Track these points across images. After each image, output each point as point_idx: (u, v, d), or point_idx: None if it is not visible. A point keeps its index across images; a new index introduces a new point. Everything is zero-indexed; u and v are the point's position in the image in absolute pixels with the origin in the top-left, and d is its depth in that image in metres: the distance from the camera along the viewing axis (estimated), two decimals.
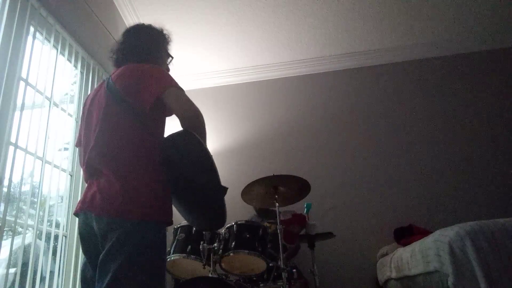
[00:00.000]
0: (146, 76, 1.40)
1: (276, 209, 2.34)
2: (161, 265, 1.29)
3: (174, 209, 1.44)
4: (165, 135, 1.45)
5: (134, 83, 1.39)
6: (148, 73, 1.41)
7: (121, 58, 1.57)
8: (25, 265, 1.95)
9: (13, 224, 1.88)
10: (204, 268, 2.13)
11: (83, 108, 1.58)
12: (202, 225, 1.73)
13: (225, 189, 1.31)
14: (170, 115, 1.47)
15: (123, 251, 1.21)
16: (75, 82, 2.72)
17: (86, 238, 1.37)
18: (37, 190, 2.13)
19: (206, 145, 1.34)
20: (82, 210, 1.36)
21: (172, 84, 1.38)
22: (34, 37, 2.20)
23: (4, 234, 1.81)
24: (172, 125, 1.44)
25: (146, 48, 1.58)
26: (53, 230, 2.26)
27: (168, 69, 1.69)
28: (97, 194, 1.31)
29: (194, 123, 1.33)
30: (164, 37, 1.68)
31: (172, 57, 1.71)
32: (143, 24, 1.70)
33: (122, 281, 1.19)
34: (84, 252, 1.40)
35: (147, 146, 1.36)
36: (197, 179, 1.33)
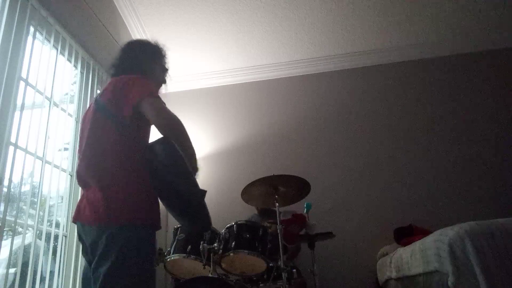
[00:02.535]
0: (126, 86, 1.45)
1: (276, 209, 2.34)
2: (146, 269, 1.32)
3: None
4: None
5: (115, 94, 1.44)
6: (128, 84, 1.45)
7: (115, 73, 1.63)
8: (25, 265, 1.95)
9: (13, 224, 1.88)
10: (204, 268, 2.12)
11: (80, 123, 1.65)
12: (189, 227, 1.83)
13: (203, 192, 1.35)
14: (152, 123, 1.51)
15: (110, 256, 1.26)
16: (75, 82, 2.72)
17: (83, 244, 1.45)
18: (37, 190, 2.13)
19: (187, 149, 1.38)
20: (77, 220, 1.44)
21: (148, 93, 1.41)
22: (34, 37, 2.20)
23: (4, 234, 1.81)
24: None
25: (138, 62, 1.63)
26: (53, 230, 2.26)
27: (163, 81, 1.73)
28: (86, 205, 1.38)
29: (169, 130, 1.37)
30: (159, 51, 1.73)
31: (167, 69, 1.75)
32: (138, 39, 1.79)
33: (110, 284, 1.24)
34: (83, 255, 1.47)
35: (130, 155, 1.41)
36: (175, 184, 1.38)
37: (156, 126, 1.39)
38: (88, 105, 2.49)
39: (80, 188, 2.47)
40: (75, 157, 2.51)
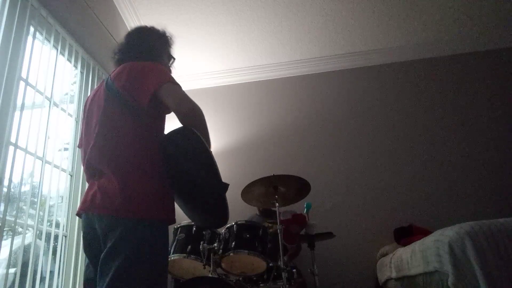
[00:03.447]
0: (143, 72, 1.39)
1: (276, 209, 2.34)
2: (162, 263, 1.29)
3: (177, 207, 1.44)
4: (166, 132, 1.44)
5: (131, 80, 1.37)
6: (145, 70, 1.40)
7: (121, 57, 1.57)
8: (25, 265, 1.95)
9: (13, 224, 1.88)
10: (204, 268, 2.12)
11: (84, 108, 1.58)
12: (205, 223, 1.71)
13: (226, 186, 1.29)
14: (169, 112, 1.45)
15: (123, 250, 1.21)
16: (75, 82, 2.72)
17: (88, 238, 1.37)
18: (37, 190, 2.13)
19: (207, 140, 1.33)
20: (84, 211, 1.37)
21: (169, 80, 1.36)
22: (34, 37, 2.20)
23: (4, 234, 1.81)
24: (173, 123, 1.43)
25: (146, 48, 1.58)
26: (53, 230, 2.26)
27: (169, 71, 1.67)
28: (98, 193, 1.31)
29: (190, 119, 1.32)
30: (166, 39, 1.68)
31: (174, 59, 1.71)
32: (146, 26, 1.70)
33: (122, 279, 1.18)
34: (86, 251, 1.40)
35: (147, 144, 1.36)
36: (197, 176, 1.32)
37: (178, 114, 1.32)
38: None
39: (80, 188, 2.48)
40: (75, 157, 2.51)
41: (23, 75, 2.07)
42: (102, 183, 1.32)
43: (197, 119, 1.33)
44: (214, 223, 1.55)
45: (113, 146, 1.34)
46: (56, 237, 2.28)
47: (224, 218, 1.38)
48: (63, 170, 2.41)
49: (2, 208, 1.80)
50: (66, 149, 2.52)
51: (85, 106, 1.58)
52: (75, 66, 2.65)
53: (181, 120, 1.33)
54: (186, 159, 1.34)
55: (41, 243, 2.10)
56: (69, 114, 2.53)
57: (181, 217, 1.69)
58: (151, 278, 1.23)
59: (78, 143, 1.66)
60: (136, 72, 1.39)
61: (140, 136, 1.36)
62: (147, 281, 1.21)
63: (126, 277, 1.19)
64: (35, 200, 2.13)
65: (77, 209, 1.42)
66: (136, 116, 1.36)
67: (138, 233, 1.23)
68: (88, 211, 1.34)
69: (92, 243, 1.35)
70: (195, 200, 1.40)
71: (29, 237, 2.05)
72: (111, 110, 1.39)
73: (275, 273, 2.18)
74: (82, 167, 2.39)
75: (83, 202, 1.37)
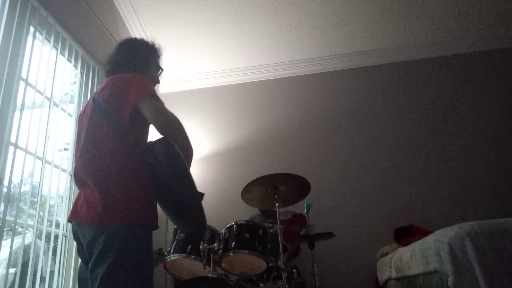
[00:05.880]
0: (124, 86, 1.44)
1: (276, 209, 2.34)
2: (145, 268, 1.32)
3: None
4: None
5: (114, 94, 1.43)
6: (126, 83, 1.45)
7: (111, 69, 1.62)
8: (25, 265, 1.95)
9: (13, 224, 1.88)
10: (204, 268, 2.12)
11: (78, 121, 1.65)
12: (184, 229, 1.81)
13: (201, 195, 1.34)
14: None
15: (108, 256, 1.25)
16: (75, 82, 2.72)
17: (78, 243, 1.44)
18: (37, 190, 2.13)
19: (186, 149, 1.38)
20: (73, 218, 1.42)
21: (147, 92, 1.41)
22: (34, 37, 2.20)
23: (4, 234, 1.81)
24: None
25: (134, 60, 1.63)
26: (53, 230, 2.26)
27: (157, 81, 1.74)
28: (83, 203, 1.37)
29: (167, 131, 1.37)
30: (155, 50, 1.73)
31: (162, 69, 1.76)
32: (135, 37, 1.78)
33: (109, 285, 1.23)
34: (78, 254, 1.46)
35: (128, 154, 1.40)
36: (173, 186, 1.37)
37: (155, 126, 1.38)
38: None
39: None
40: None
41: (23, 75, 2.07)
42: (86, 193, 1.38)
43: (174, 130, 1.38)
44: (191, 230, 1.64)
45: (95, 158, 1.40)
46: (56, 237, 2.29)
47: (200, 227, 1.46)
48: (63, 170, 2.41)
49: (2, 208, 1.80)
50: (66, 149, 2.52)
51: (78, 118, 1.63)
52: (75, 66, 2.65)
53: (159, 132, 1.38)
54: (163, 169, 1.38)
55: (41, 243, 2.10)
56: (69, 114, 2.53)
57: None
58: (137, 283, 1.27)
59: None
60: (118, 86, 1.44)
61: (122, 147, 1.40)
62: (132, 286, 1.25)
63: (113, 283, 1.23)
64: (35, 200, 2.13)
65: (68, 217, 1.47)
66: (119, 128, 1.41)
67: (121, 239, 1.28)
68: (75, 219, 1.40)
69: (80, 249, 1.42)
70: (174, 208, 1.46)
71: (29, 237, 2.05)
72: (96, 123, 1.45)
73: (275, 273, 2.18)
74: None
75: (73, 211, 1.43)
